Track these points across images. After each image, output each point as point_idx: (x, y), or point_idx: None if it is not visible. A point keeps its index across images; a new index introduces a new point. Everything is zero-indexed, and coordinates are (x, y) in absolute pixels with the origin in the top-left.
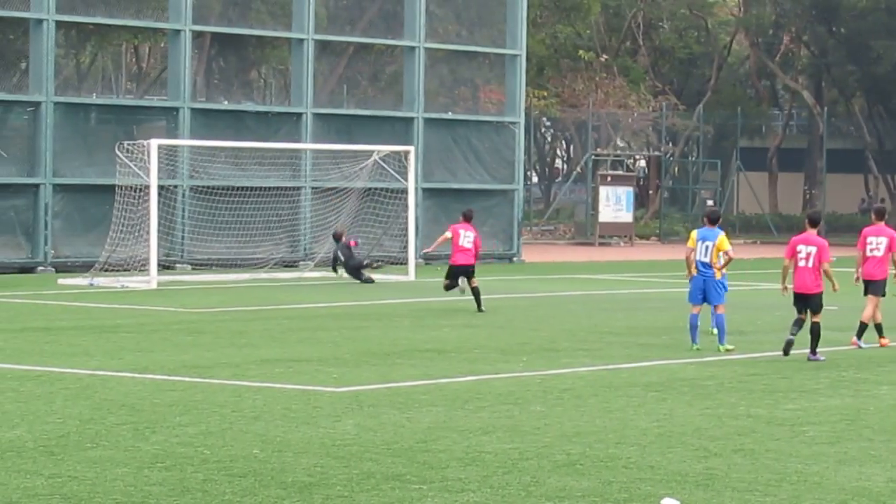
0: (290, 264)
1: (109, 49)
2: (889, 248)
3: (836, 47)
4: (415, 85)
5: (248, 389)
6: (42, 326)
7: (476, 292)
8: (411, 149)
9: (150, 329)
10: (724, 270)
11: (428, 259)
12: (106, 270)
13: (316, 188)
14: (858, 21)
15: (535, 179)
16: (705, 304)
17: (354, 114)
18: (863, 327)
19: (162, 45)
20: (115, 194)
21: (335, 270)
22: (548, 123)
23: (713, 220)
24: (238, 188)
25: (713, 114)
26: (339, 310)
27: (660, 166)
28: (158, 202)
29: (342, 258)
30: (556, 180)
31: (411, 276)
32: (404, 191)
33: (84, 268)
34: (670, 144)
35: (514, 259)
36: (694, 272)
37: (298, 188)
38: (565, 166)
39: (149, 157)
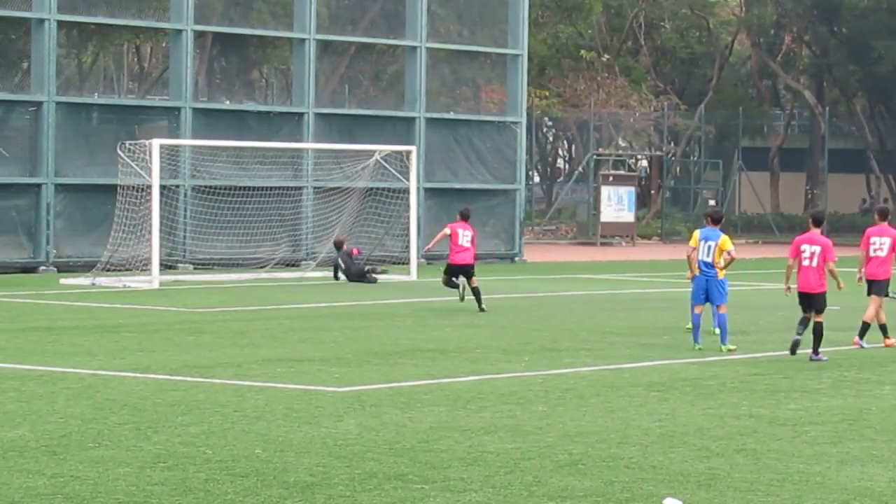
0: (291, 264)
1: (111, 49)
2: (892, 249)
3: (838, 47)
4: (416, 85)
5: (250, 389)
6: (44, 326)
7: (476, 292)
8: (413, 149)
9: (152, 329)
10: (725, 271)
11: (429, 259)
12: (108, 270)
13: (318, 188)
14: (860, 21)
15: (536, 179)
16: (707, 303)
17: (356, 113)
18: (865, 327)
19: (163, 44)
20: (116, 194)
21: (336, 278)
22: (549, 123)
23: (716, 220)
24: (240, 188)
25: (715, 114)
26: (341, 310)
27: (661, 166)
28: (160, 202)
29: (343, 266)
30: (558, 180)
31: (413, 276)
32: (406, 191)
33: (86, 267)
34: (672, 144)
35: (516, 259)
36: (696, 272)
37: (300, 188)
38: (567, 166)
39: (150, 156)
